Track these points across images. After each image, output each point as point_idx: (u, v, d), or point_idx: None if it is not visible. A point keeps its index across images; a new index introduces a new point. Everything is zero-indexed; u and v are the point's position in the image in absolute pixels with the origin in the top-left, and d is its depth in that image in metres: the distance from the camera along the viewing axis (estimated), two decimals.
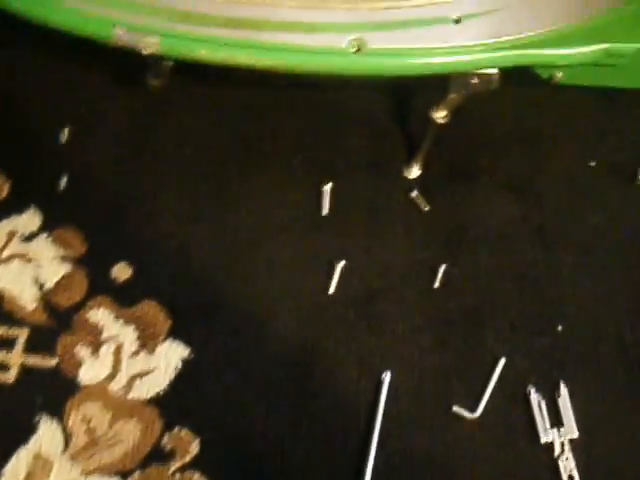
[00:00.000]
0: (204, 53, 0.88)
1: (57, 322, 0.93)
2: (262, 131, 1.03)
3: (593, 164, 1.07)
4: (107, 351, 0.92)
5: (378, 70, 0.90)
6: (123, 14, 0.89)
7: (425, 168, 1.02)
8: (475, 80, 0.93)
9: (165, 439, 0.88)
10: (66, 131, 0.98)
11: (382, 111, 1.06)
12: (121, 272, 0.96)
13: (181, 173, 1.01)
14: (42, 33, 1.02)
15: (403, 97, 1.06)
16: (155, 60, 0.94)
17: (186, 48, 0.89)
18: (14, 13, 0.91)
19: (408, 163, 1.02)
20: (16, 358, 0.92)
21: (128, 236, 0.97)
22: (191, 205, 0.99)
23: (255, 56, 0.88)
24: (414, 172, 1.02)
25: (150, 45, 0.89)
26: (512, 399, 0.92)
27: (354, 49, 0.90)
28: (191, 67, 0.95)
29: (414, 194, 1.00)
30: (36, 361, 0.91)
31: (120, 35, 0.89)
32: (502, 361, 0.94)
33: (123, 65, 1.04)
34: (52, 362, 0.91)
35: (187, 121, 1.04)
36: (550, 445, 0.90)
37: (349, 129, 1.04)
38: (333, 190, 0.99)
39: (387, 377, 0.91)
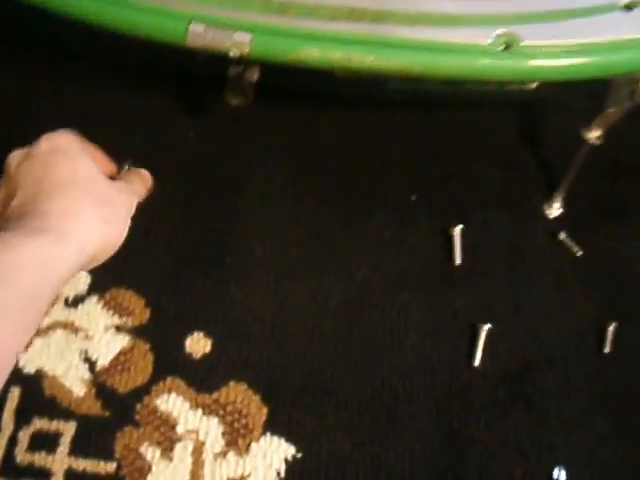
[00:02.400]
0: (313, 53, 0.68)
1: (114, 413, 0.70)
2: (368, 163, 0.82)
3: None
4: (183, 452, 0.69)
5: (532, 73, 0.69)
6: (201, 6, 0.69)
7: (569, 203, 0.81)
8: None
9: None
10: (126, 167, 0.76)
11: (511, 136, 0.85)
12: (197, 346, 0.73)
13: (268, 216, 0.78)
14: (88, 46, 0.84)
15: (535, 117, 0.86)
16: (238, 72, 0.74)
17: (288, 47, 0.68)
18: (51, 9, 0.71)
19: (548, 198, 0.81)
20: (60, 463, 0.68)
21: (204, 298, 0.74)
22: (283, 258, 0.76)
23: (381, 56, 0.68)
24: (556, 209, 0.81)
25: (239, 45, 0.69)
26: None
27: (501, 47, 0.70)
28: (276, 84, 0.76)
29: (562, 236, 0.79)
30: (87, 466, 0.68)
31: (197, 33, 0.68)
32: None
33: (191, 88, 0.85)
34: (109, 467, 0.68)
35: (273, 152, 0.82)
36: None
37: (474, 158, 0.82)
38: (463, 233, 0.78)
39: (562, 475, 0.69)
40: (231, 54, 0.69)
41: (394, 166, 0.82)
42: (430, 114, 0.85)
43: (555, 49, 0.69)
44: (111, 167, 0.73)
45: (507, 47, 0.70)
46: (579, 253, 0.79)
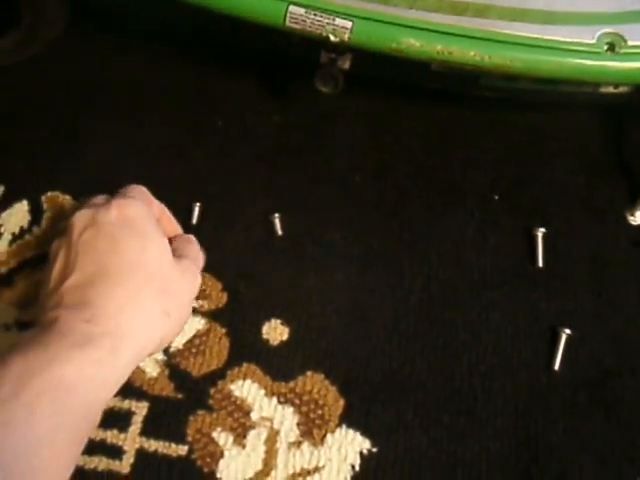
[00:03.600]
0: (413, 43, 0.67)
1: (188, 396, 0.69)
2: (450, 159, 0.81)
3: None
4: (257, 439, 0.68)
5: (636, 76, 0.69)
6: None
7: None
8: None
9: None
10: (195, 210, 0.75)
11: (596, 140, 0.83)
12: (274, 333, 0.72)
13: (349, 207, 0.78)
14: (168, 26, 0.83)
15: (622, 123, 0.85)
16: (331, 58, 0.73)
17: (388, 36, 0.68)
18: None
19: (632, 205, 0.80)
20: (132, 441, 0.67)
21: (283, 286, 0.74)
22: (364, 251, 0.75)
23: (482, 51, 0.67)
24: (639, 217, 0.81)
25: (338, 31, 0.68)
26: None
27: (605, 47, 0.69)
28: (367, 73, 0.75)
29: None
30: (159, 447, 0.67)
31: (297, 16, 0.68)
32: None
33: (276, 73, 0.84)
34: (181, 450, 0.67)
35: (356, 142, 0.81)
36: None
37: (557, 161, 0.81)
38: (546, 236, 0.77)
39: None
40: (331, 39, 0.69)
41: (477, 164, 0.81)
42: (516, 114, 0.84)
43: None
44: (175, 228, 0.70)
45: (611, 47, 0.69)
46: None
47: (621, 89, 0.76)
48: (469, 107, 0.84)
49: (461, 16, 0.68)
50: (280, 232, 0.76)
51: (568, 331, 0.73)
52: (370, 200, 0.78)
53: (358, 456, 0.68)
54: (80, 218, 0.62)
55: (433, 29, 0.67)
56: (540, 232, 0.77)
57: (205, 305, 0.73)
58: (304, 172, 0.79)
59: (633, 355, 0.73)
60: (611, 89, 0.76)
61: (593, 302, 0.75)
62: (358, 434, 0.68)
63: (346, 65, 0.74)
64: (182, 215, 0.75)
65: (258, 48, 0.83)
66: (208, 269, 0.74)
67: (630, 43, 0.68)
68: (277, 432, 0.68)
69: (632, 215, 0.80)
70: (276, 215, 0.76)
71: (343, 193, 0.78)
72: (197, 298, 0.73)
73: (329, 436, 0.68)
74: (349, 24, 0.68)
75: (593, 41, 0.68)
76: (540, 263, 0.76)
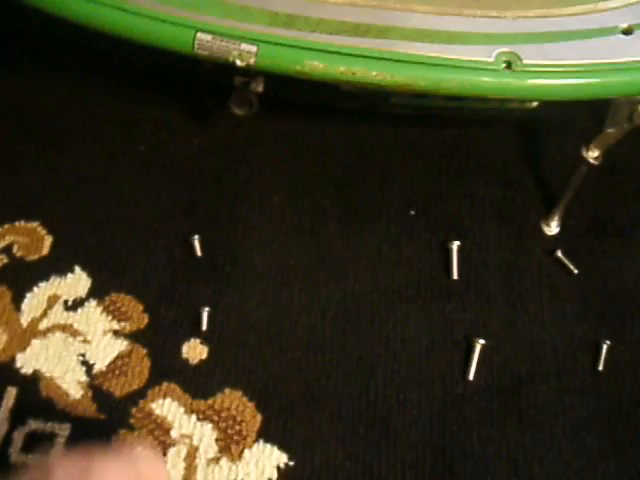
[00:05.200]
0: (317, 65, 0.69)
1: (110, 417, 0.70)
2: (369, 177, 0.83)
3: None
4: (176, 457, 0.69)
5: (532, 92, 0.70)
6: (209, 17, 0.70)
7: (566, 222, 0.82)
8: None
9: None
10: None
11: (512, 154, 0.85)
12: (193, 352, 0.73)
13: (268, 227, 0.79)
14: (90, 54, 0.85)
15: (537, 137, 0.87)
16: (244, 82, 0.75)
17: (292, 59, 0.70)
18: (61, 15, 0.72)
19: (547, 216, 0.82)
20: None
21: (202, 305, 0.75)
22: (281, 269, 0.77)
23: (384, 71, 0.69)
24: (554, 227, 0.82)
25: (244, 55, 0.70)
26: None
27: (503, 65, 0.71)
28: (280, 95, 0.77)
29: (559, 254, 0.80)
30: None
31: (205, 42, 0.70)
32: None
33: (194, 97, 0.86)
34: None
35: (275, 164, 0.83)
36: None
37: (474, 175, 0.83)
38: (461, 248, 0.79)
39: None
40: (237, 64, 0.71)
41: (394, 180, 0.83)
42: (432, 130, 0.86)
43: (555, 69, 0.71)
44: None
45: (508, 65, 0.71)
46: (575, 271, 0.80)
47: (528, 104, 0.79)
48: (388, 125, 0.86)
49: (363, 37, 0.70)
50: (200, 253, 0.77)
51: (482, 341, 0.74)
52: (288, 220, 0.80)
53: (275, 470, 0.69)
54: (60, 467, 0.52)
55: (335, 51, 0.69)
56: (455, 245, 0.79)
57: (127, 327, 0.74)
58: (223, 194, 0.81)
59: (546, 362, 0.75)
60: (519, 105, 0.78)
61: (508, 312, 0.77)
62: (275, 448, 0.70)
63: (259, 88, 0.76)
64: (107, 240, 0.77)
65: (179, 73, 0.85)
66: (130, 291, 0.75)
67: (525, 62, 0.71)
68: (196, 449, 0.70)
69: (547, 225, 0.82)
70: (196, 237, 0.78)
71: (262, 214, 0.80)
72: (119, 320, 0.74)
73: (247, 451, 0.70)
74: (254, 48, 0.69)
75: (491, 59, 0.70)
76: (455, 275, 0.78)
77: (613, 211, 0.84)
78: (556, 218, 0.82)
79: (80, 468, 0.52)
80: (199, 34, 0.70)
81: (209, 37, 0.70)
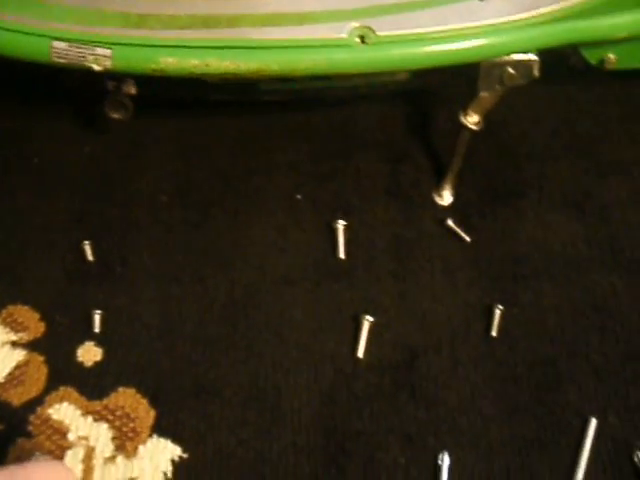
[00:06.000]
0: (171, 61, 0.70)
1: (7, 426, 0.71)
2: (254, 166, 0.83)
3: None
4: (74, 459, 0.69)
5: (391, 63, 0.71)
6: (64, 24, 0.71)
7: (460, 191, 0.82)
8: (510, 70, 0.75)
9: None
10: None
11: (400, 128, 0.86)
12: (88, 355, 0.74)
13: (157, 226, 0.80)
14: None
15: (424, 108, 0.87)
16: (115, 85, 0.76)
17: (146, 58, 0.70)
18: None
19: (438, 187, 0.82)
20: None
21: (94, 308, 0.76)
22: (170, 265, 0.78)
23: (236, 59, 0.70)
24: (447, 197, 0.82)
25: (100, 60, 0.71)
26: (616, 472, 0.69)
27: (358, 39, 0.72)
28: (160, 94, 0.78)
29: (450, 223, 0.80)
30: None
31: (61, 50, 0.71)
32: (593, 423, 0.71)
33: (83, 106, 0.87)
34: None
35: (161, 162, 0.84)
36: None
37: (361, 153, 0.84)
38: (349, 227, 0.79)
39: (445, 460, 0.69)
40: (94, 69, 0.72)
41: (281, 167, 0.83)
42: (318, 112, 0.86)
43: (410, 38, 0.71)
44: None
45: (363, 39, 0.71)
46: (467, 239, 0.79)
47: (399, 76, 0.78)
48: (273, 111, 0.86)
49: (214, 29, 0.71)
50: (91, 258, 0.79)
51: (370, 318, 0.74)
52: (176, 217, 0.81)
53: (170, 463, 0.70)
54: None
55: (187, 45, 0.70)
56: (340, 224, 0.79)
57: (24, 337, 0.76)
58: (114, 198, 0.82)
59: (438, 333, 0.75)
60: (390, 78, 0.78)
61: (397, 286, 0.77)
62: (169, 442, 0.70)
63: (132, 90, 0.77)
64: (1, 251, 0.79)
65: (66, 84, 0.86)
66: (26, 302, 0.77)
67: (379, 34, 0.71)
68: (93, 449, 0.71)
69: (439, 196, 0.82)
70: (86, 242, 0.79)
71: (151, 214, 0.81)
72: (16, 331, 0.76)
73: (141, 447, 0.70)
74: (109, 52, 0.70)
75: (345, 35, 0.71)
76: (342, 255, 0.78)
77: (505, 175, 0.83)
78: (447, 188, 0.82)
79: None
80: (54, 42, 0.71)
81: (64, 45, 0.71)
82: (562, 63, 0.80)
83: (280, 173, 0.82)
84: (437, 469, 0.68)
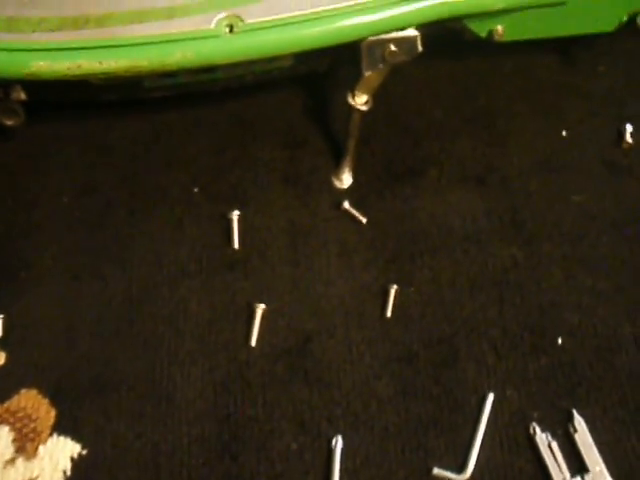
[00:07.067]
0: (43, 65, 0.70)
1: None
2: (152, 163, 0.84)
3: (565, 134, 0.85)
4: None
5: (260, 50, 0.70)
6: None
7: (359, 173, 0.81)
8: (392, 48, 0.74)
9: None
10: None
11: (298, 115, 0.85)
12: None
13: (59, 227, 0.81)
14: None
15: (321, 93, 0.87)
16: (3, 92, 0.76)
17: (18, 62, 0.71)
18: None
19: (337, 171, 0.81)
20: None
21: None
22: (71, 265, 0.79)
23: (107, 58, 0.70)
24: (346, 181, 0.81)
25: None
26: (512, 445, 0.69)
27: (227, 29, 0.71)
28: (49, 98, 0.79)
29: (346, 205, 0.79)
30: None
31: None
32: (490, 398, 0.71)
33: None
34: None
35: (61, 164, 0.84)
36: None
37: (259, 143, 0.83)
38: (245, 217, 0.79)
39: (338, 443, 0.69)
40: None
41: (179, 162, 0.84)
42: (216, 105, 0.86)
43: (278, 23, 0.71)
44: None
45: (231, 29, 0.71)
46: (364, 220, 0.79)
47: (282, 63, 0.78)
48: (172, 107, 0.86)
49: (83, 29, 0.71)
50: None
51: (263, 305, 0.74)
52: (77, 217, 0.81)
53: (69, 461, 0.71)
54: None
55: (57, 47, 0.70)
56: (235, 215, 0.79)
57: None
58: (18, 204, 0.82)
59: (333, 316, 0.75)
60: (276, 64, 0.78)
61: (291, 273, 0.77)
62: (69, 440, 0.71)
63: (21, 96, 0.78)
64: None
65: None
66: None
67: (248, 22, 0.71)
68: None
69: (338, 180, 0.82)
70: None
71: (53, 216, 0.81)
72: None
73: (41, 447, 0.71)
74: None
75: (212, 26, 0.71)
76: (236, 245, 0.78)
77: (404, 154, 0.83)
78: (346, 171, 0.82)
79: None
80: None
81: None
82: (458, 37, 0.79)
83: (179, 168, 0.83)
84: (331, 453, 0.68)
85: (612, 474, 0.67)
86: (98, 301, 0.77)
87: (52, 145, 0.85)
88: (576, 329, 0.74)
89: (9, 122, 0.80)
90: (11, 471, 0.71)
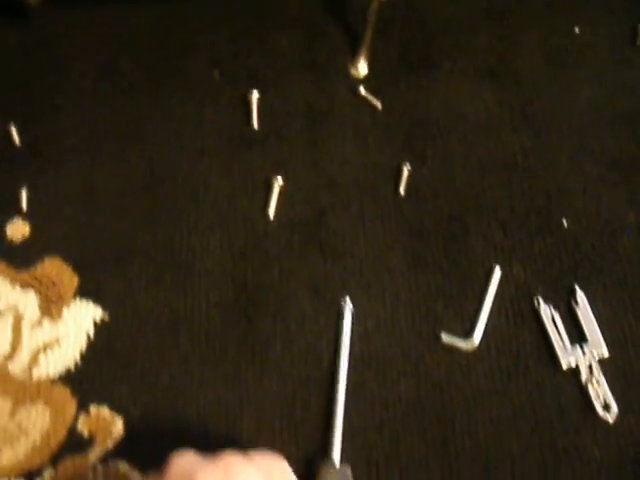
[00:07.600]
0: None
1: None
2: (174, 48, 0.85)
3: (578, 30, 0.87)
4: (5, 324, 0.74)
5: None
6: None
7: (374, 63, 0.83)
8: None
9: (80, 423, 0.69)
10: None
11: (317, 5, 0.87)
12: (17, 230, 0.78)
13: (81, 108, 0.83)
14: None
15: None
16: None
17: None
18: None
19: (353, 59, 0.84)
20: None
21: (21, 186, 0.79)
22: (93, 143, 0.81)
23: None
24: (362, 69, 0.83)
25: None
26: (517, 316, 0.72)
27: None
28: None
29: (362, 91, 0.81)
30: None
31: None
32: (497, 271, 0.74)
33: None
34: None
35: (86, 51, 0.86)
36: (574, 368, 0.70)
37: (277, 30, 0.85)
38: (264, 100, 0.81)
39: (348, 305, 0.72)
40: None
41: (199, 47, 0.85)
42: None
43: None
44: None
45: None
46: (379, 106, 0.81)
47: None
48: None
49: None
50: (17, 141, 0.82)
51: (281, 181, 0.77)
52: (99, 99, 0.83)
53: (92, 325, 0.73)
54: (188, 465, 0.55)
55: None
56: (254, 95, 0.81)
57: None
58: (40, 86, 0.84)
59: (347, 192, 0.77)
60: None
61: (309, 152, 0.79)
62: (91, 304, 0.74)
63: None
64: None
65: None
66: None
67: None
68: (22, 315, 0.75)
69: (354, 68, 0.84)
70: (12, 124, 0.82)
71: (75, 97, 0.83)
72: None
73: (65, 311, 0.74)
74: None
75: None
76: (255, 125, 0.80)
77: (419, 46, 0.85)
78: (362, 60, 0.84)
79: (221, 475, 0.55)
80: None
81: None
82: None
83: (199, 53, 0.84)
84: (340, 316, 0.72)
85: (607, 343, 0.70)
86: (120, 178, 0.79)
87: (71, 31, 0.87)
88: (581, 213, 0.77)
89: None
90: (38, 331, 0.74)
